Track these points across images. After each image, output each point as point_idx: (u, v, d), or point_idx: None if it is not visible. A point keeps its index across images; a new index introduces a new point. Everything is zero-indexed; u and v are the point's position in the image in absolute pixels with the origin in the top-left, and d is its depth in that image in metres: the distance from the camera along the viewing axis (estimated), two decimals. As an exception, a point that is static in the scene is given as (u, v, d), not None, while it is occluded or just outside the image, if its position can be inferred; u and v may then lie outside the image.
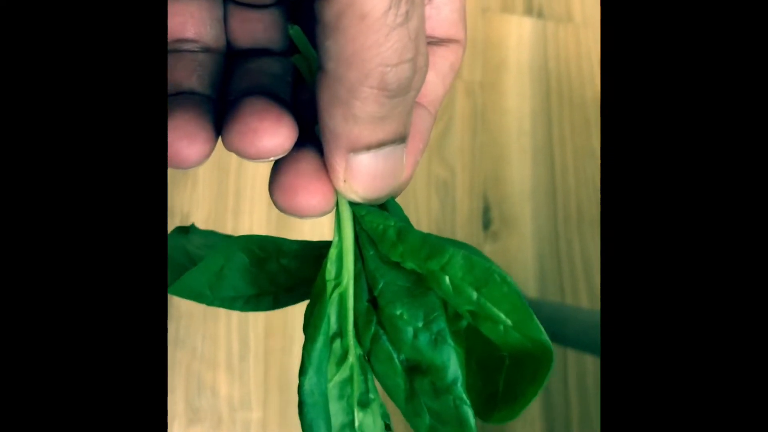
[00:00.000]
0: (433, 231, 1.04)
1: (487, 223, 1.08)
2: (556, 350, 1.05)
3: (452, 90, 1.11)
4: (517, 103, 1.14)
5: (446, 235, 1.05)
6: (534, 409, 1.03)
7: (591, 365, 1.06)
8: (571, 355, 1.06)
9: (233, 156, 1.02)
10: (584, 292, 1.09)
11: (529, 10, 1.19)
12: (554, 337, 0.95)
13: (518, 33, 1.18)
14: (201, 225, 0.96)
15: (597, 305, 1.07)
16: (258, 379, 0.94)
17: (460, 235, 1.06)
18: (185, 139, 0.16)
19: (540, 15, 1.20)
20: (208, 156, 0.17)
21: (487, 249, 1.07)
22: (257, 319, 0.95)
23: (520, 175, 1.11)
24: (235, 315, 0.95)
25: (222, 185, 0.98)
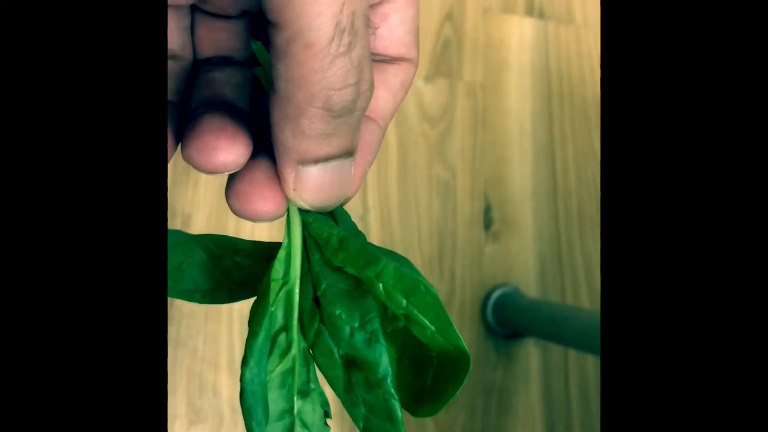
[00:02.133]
0: (435, 232, 1.04)
1: (488, 224, 1.08)
2: (558, 350, 1.06)
3: (453, 91, 1.11)
4: (518, 103, 1.14)
5: (448, 236, 1.05)
6: (535, 409, 1.04)
7: (592, 365, 1.06)
8: (572, 355, 1.06)
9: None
10: (585, 292, 1.09)
11: (530, 11, 1.19)
12: (555, 337, 0.95)
13: (519, 33, 1.18)
14: (202, 225, 0.96)
15: (598, 305, 1.07)
16: (259, 379, 0.94)
17: (462, 236, 1.06)
18: None
19: (541, 15, 1.20)
20: (169, 158, 0.18)
21: (488, 250, 1.07)
22: (259, 319, 0.95)
23: (521, 175, 1.11)
24: (237, 315, 0.95)
25: (223, 186, 0.97)
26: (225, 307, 0.95)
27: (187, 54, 0.21)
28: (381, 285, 0.19)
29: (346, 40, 0.16)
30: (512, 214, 1.09)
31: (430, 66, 1.11)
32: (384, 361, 0.19)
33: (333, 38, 0.16)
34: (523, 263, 1.08)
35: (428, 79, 1.10)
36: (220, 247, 0.22)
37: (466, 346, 0.18)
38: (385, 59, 0.21)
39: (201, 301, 0.22)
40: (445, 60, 1.12)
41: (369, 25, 0.17)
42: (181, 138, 0.18)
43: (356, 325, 0.19)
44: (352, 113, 0.17)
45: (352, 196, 0.20)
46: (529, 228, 1.09)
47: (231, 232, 0.94)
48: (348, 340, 0.19)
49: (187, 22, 0.21)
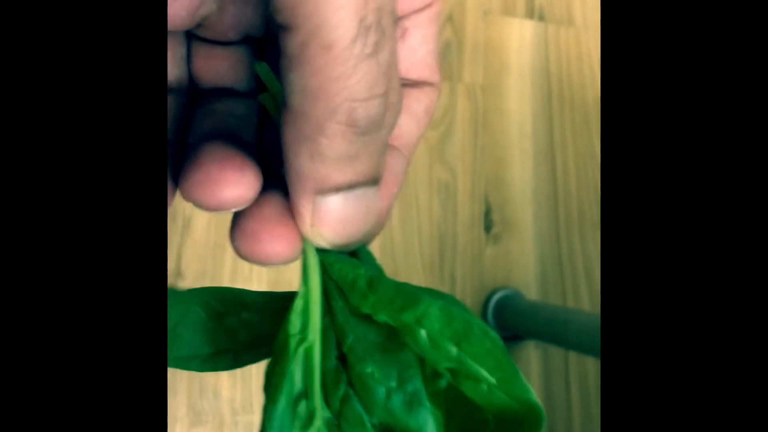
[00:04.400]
0: (435, 234, 1.04)
1: (488, 226, 1.08)
2: (558, 353, 1.06)
3: (453, 93, 1.11)
4: (518, 105, 1.14)
5: (448, 238, 1.05)
6: (535, 412, 1.03)
7: (592, 367, 1.06)
8: (573, 357, 1.06)
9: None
10: (585, 294, 1.09)
11: (530, 13, 1.19)
12: (555, 340, 0.95)
13: (519, 36, 1.18)
14: (203, 230, 0.96)
15: (598, 308, 1.07)
16: (260, 381, 0.93)
17: (462, 238, 1.06)
18: None
19: (541, 18, 1.20)
20: (169, 205, 0.16)
21: (489, 252, 1.07)
22: (259, 321, 0.95)
23: (521, 177, 1.11)
24: (237, 317, 0.95)
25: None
26: (225, 309, 0.95)
27: (183, 86, 0.18)
28: (424, 332, 0.15)
29: (372, 39, 0.13)
30: (513, 217, 1.09)
31: (430, 68, 1.11)
32: (430, 427, 0.16)
33: (357, 37, 0.13)
34: (523, 265, 1.08)
35: (429, 81, 1.10)
36: (223, 303, 0.19)
37: (537, 401, 0.15)
38: (406, 83, 0.19)
39: (201, 369, 0.19)
40: (446, 62, 1.12)
41: (397, 25, 0.14)
42: (178, 179, 0.16)
43: (393, 385, 0.16)
44: (380, 131, 0.15)
45: (378, 234, 0.17)
46: (529, 230, 1.09)
47: (231, 235, 0.94)
48: (383, 404, 0.16)
49: (182, 50, 0.18)
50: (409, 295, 0.16)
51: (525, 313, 0.99)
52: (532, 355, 1.05)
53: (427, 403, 0.16)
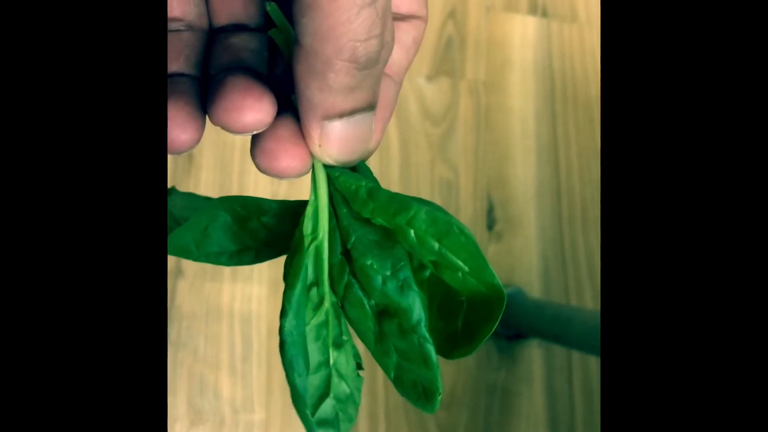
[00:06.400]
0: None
1: (491, 224, 1.07)
2: (561, 351, 1.05)
3: (455, 89, 1.11)
4: (521, 102, 1.14)
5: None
6: (538, 411, 1.03)
7: (595, 367, 1.06)
8: (576, 356, 1.06)
9: (236, 158, 1.02)
10: (588, 292, 1.09)
11: (533, 9, 1.19)
12: (558, 339, 0.94)
13: (522, 32, 1.17)
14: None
15: (602, 306, 1.07)
16: (260, 380, 0.94)
17: (464, 236, 1.05)
18: (178, 128, 0.18)
19: (544, 14, 1.19)
20: (199, 140, 0.19)
21: (491, 249, 1.06)
22: (260, 319, 0.95)
23: (524, 175, 1.11)
24: (238, 316, 0.95)
25: (224, 187, 0.98)
26: (226, 307, 0.94)
27: (203, 24, 0.21)
28: (412, 231, 0.19)
29: None
30: (515, 214, 1.09)
31: (432, 64, 1.10)
32: (417, 306, 0.19)
33: None
34: (526, 263, 1.08)
35: (430, 77, 1.10)
36: (246, 209, 0.22)
37: (500, 283, 0.18)
38: (396, 17, 0.21)
39: (228, 263, 0.22)
40: (448, 59, 1.12)
41: None
42: (206, 108, 0.19)
43: (388, 273, 0.19)
44: (376, 65, 0.17)
45: (374, 151, 0.20)
46: (532, 228, 1.09)
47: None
48: (380, 288, 0.19)
49: None
50: (401, 202, 0.19)
51: (528, 311, 0.99)
52: (535, 353, 1.05)
53: (415, 288, 0.19)
